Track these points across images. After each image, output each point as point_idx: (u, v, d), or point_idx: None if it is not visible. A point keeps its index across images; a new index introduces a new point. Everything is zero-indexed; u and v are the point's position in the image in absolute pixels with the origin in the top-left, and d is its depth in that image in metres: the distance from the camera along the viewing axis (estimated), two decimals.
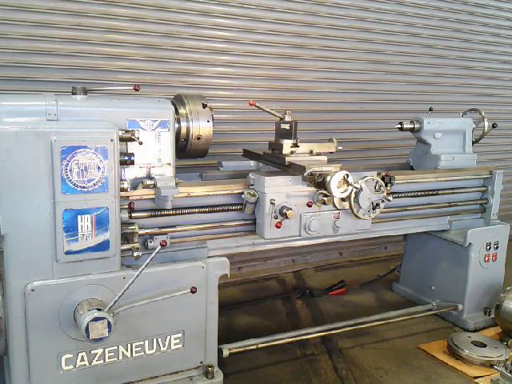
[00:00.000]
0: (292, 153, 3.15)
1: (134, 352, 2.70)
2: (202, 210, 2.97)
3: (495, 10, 5.82)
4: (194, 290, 2.60)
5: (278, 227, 3.01)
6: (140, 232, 2.72)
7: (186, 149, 2.99)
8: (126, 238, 2.67)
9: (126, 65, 4.01)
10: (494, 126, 4.21)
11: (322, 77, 4.90)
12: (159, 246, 2.49)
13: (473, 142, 4.19)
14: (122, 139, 2.55)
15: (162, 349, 2.78)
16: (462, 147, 4.14)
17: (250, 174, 3.08)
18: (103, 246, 2.52)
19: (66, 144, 2.35)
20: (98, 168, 2.44)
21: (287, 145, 3.15)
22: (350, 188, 2.93)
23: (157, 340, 2.76)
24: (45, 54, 3.73)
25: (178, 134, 2.89)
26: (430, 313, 4.04)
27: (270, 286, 4.82)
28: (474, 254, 3.91)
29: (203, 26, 4.23)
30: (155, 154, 2.75)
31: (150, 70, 4.10)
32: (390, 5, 5.10)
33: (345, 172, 2.89)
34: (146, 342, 2.73)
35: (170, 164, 2.80)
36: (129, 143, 2.64)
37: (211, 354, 2.94)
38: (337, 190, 2.88)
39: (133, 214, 2.70)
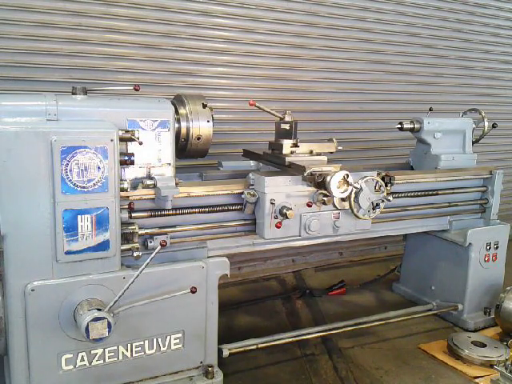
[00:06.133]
0: (292, 153, 3.15)
1: (134, 352, 2.70)
2: (202, 210, 2.97)
3: (495, 10, 5.83)
4: (193, 290, 2.61)
5: (278, 227, 3.00)
6: (140, 232, 2.72)
7: (186, 149, 2.99)
8: (126, 238, 2.67)
9: (126, 65, 4.01)
10: (493, 126, 4.21)
11: (322, 77, 4.90)
12: (159, 246, 2.49)
13: (473, 142, 4.19)
14: (122, 139, 2.55)
15: (162, 349, 2.78)
16: (461, 147, 4.13)
17: (250, 174, 3.08)
18: (103, 245, 2.52)
19: (66, 144, 2.35)
20: (98, 168, 2.44)
21: (287, 145, 3.15)
22: (350, 188, 2.93)
23: (157, 340, 2.76)
24: (45, 54, 3.72)
25: (178, 134, 2.88)
26: (430, 313, 4.04)
27: (270, 286, 4.82)
28: (474, 254, 3.91)
29: (203, 26, 4.23)
30: (155, 154, 2.75)
31: (150, 70, 4.10)
32: (390, 5, 5.10)
33: (345, 172, 2.89)
34: (146, 342, 2.73)
35: (169, 164, 2.80)
36: (129, 143, 2.64)
37: (211, 353, 2.94)
38: (337, 190, 2.88)
39: (133, 214, 2.70)
